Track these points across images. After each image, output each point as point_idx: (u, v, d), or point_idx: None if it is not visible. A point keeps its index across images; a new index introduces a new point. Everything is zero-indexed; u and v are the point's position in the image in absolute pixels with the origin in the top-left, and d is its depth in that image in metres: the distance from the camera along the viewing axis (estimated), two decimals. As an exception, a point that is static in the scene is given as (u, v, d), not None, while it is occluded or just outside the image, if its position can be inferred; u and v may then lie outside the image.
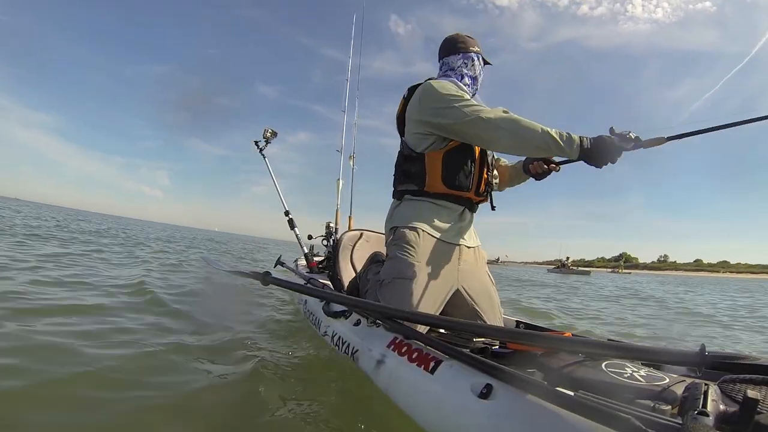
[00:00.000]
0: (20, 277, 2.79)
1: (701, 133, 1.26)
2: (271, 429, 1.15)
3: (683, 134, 1.26)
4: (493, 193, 1.68)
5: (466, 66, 1.60)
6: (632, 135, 1.21)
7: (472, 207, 1.58)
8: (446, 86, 1.44)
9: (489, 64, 1.65)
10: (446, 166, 1.47)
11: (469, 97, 1.41)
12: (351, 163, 3.54)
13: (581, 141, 1.21)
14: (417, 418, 1.01)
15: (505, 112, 1.33)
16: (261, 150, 3.28)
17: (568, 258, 42.37)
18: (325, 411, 1.25)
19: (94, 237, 7.92)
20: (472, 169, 1.49)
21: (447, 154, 1.47)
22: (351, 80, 3.79)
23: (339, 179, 3.46)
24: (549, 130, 1.23)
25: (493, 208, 1.69)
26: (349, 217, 3.37)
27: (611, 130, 1.22)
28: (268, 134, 3.27)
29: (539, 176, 1.62)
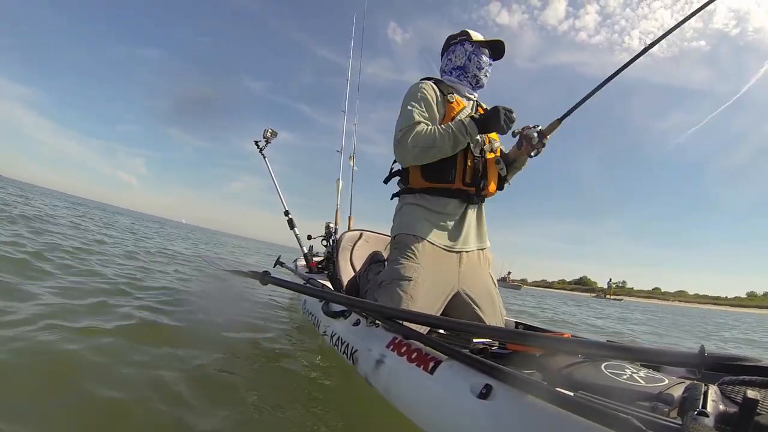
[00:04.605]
0: None
1: (592, 94, 1.39)
2: (269, 429, 1.14)
3: (574, 106, 1.40)
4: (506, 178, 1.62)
5: (450, 61, 1.64)
6: (531, 126, 1.44)
7: (470, 199, 1.53)
8: (411, 91, 1.54)
9: (487, 43, 1.61)
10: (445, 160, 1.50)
11: (420, 107, 1.49)
12: (351, 163, 3.53)
13: (472, 119, 1.42)
14: (416, 419, 1.01)
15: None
16: (261, 150, 3.28)
17: (509, 273, 47.28)
18: (325, 411, 1.25)
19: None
20: (455, 159, 1.48)
21: None
22: (351, 81, 3.78)
23: (339, 179, 3.46)
24: (445, 129, 1.41)
25: (501, 187, 1.64)
26: (349, 217, 3.36)
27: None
28: (269, 134, 3.28)
29: (533, 151, 1.51)
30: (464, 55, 1.61)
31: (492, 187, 1.57)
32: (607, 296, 46.43)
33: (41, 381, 1.19)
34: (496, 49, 1.64)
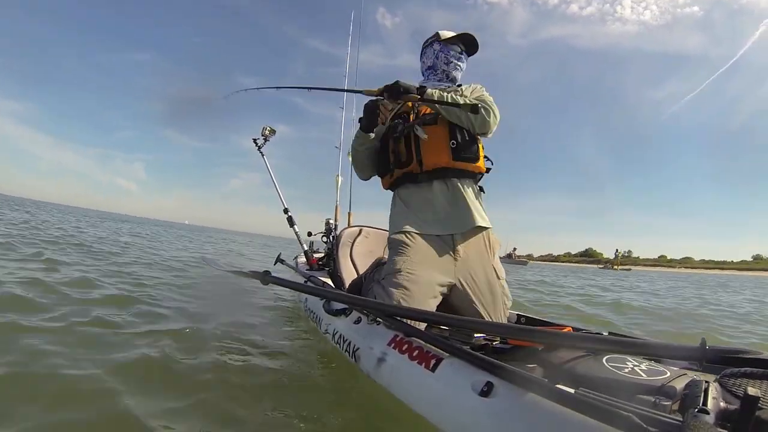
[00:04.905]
0: None
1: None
2: (270, 427, 1.15)
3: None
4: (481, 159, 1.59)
5: (423, 64, 1.74)
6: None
7: (416, 179, 1.54)
8: None
9: (456, 38, 1.66)
10: (381, 154, 1.67)
11: None
12: (350, 158, 3.52)
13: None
14: (417, 416, 1.01)
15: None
16: (260, 148, 3.27)
17: (515, 249, 47.82)
18: (326, 409, 1.25)
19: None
20: (395, 146, 1.58)
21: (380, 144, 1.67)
22: (349, 76, 3.75)
23: (338, 175, 3.45)
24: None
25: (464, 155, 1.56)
26: (349, 213, 3.36)
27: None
28: (267, 132, 3.26)
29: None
30: (432, 55, 1.69)
31: (439, 158, 1.52)
32: (615, 267, 45.29)
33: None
34: (471, 44, 1.69)
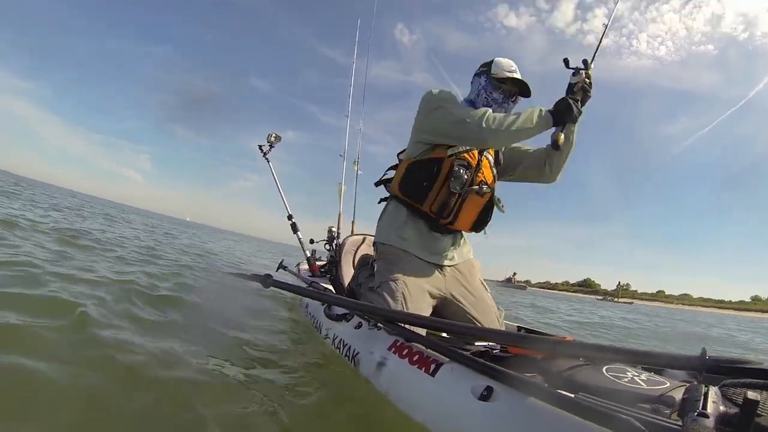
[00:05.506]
0: None
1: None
2: (270, 430, 1.15)
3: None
4: (489, 218, 1.60)
5: (471, 91, 1.60)
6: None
7: (436, 227, 1.53)
8: (442, 91, 1.48)
9: (505, 80, 1.50)
10: (407, 173, 1.52)
11: (451, 103, 1.43)
12: (355, 168, 3.55)
13: (549, 111, 1.35)
14: (417, 420, 1.01)
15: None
16: (265, 154, 3.29)
17: (514, 274, 48.51)
18: (326, 413, 1.25)
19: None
20: (431, 185, 1.47)
21: (414, 164, 1.52)
22: (355, 86, 3.80)
23: (341, 183, 3.47)
24: (530, 113, 1.34)
25: (482, 229, 1.62)
26: (352, 221, 3.38)
27: (565, 60, 1.38)
28: (272, 138, 3.29)
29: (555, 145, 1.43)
30: (477, 89, 1.54)
31: (462, 224, 1.55)
32: (617, 299, 44.73)
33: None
34: (524, 89, 1.53)
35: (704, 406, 0.58)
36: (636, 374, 0.89)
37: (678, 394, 0.76)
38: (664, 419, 0.60)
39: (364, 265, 1.86)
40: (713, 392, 0.63)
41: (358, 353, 1.37)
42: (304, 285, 2.27)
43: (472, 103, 1.55)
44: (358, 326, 1.49)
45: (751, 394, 0.54)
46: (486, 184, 1.52)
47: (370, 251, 2.27)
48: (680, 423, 0.57)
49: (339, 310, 1.66)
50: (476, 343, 1.31)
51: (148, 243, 5.94)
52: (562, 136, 1.39)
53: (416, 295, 1.45)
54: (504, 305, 1.70)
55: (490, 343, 1.32)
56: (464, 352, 1.05)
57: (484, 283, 1.64)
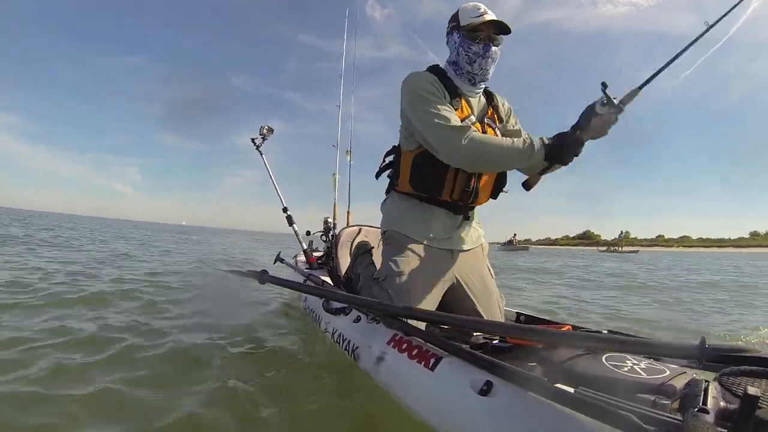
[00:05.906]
0: None
1: (670, 63, 1.11)
2: (269, 426, 1.15)
3: (653, 75, 1.13)
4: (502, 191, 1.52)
5: (449, 55, 1.44)
6: (615, 99, 1.10)
7: (458, 210, 1.46)
8: (417, 82, 1.34)
9: (476, 28, 1.33)
10: (415, 169, 1.41)
11: (435, 99, 1.29)
12: (348, 158, 3.52)
13: (542, 142, 1.20)
14: (417, 415, 1.01)
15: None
16: (258, 147, 3.26)
17: (515, 235, 45.95)
18: (326, 407, 1.25)
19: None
20: (445, 174, 1.37)
21: (418, 157, 1.40)
22: (344, 77, 3.76)
23: (335, 174, 3.44)
24: (516, 143, 1.20)
25: (499, 194, 1.53)
26: (348, 212, 3.36)
27: (603, 85, 1.11)
28: (265, 131, 3.25)
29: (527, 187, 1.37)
30: (454, 48, 1.40)
31: (483, 198, 1.49)
32: (621, 249, 42.75)
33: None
34: (501, 27, 1.35)
35: (704, 401, 0.57)
36: (636, 362, 0.88)
37: (678, 383, 0.76)
38: (664, 414, 0.59)
39: (361, 253, 1.85)
40: (713, 387, 0.63)
41: (357, 347, 1.36)
42: (301, 278, 2.26)
43: (456, 64, 1.40)
44: (357, 320, 1.48)
45: (751, 389, 0.53)
46: None
47: (367, 241, 2.26)
48: (680, 418, 0.57)
49: (337, 304, 1.65)
50: (476, 334, 1.31)
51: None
52: (540, 180, 1.29)
53: (424, 287, 1.40)
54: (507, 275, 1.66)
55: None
56: (464, 346, 1.05)
57: (490, 268, 1.59)
